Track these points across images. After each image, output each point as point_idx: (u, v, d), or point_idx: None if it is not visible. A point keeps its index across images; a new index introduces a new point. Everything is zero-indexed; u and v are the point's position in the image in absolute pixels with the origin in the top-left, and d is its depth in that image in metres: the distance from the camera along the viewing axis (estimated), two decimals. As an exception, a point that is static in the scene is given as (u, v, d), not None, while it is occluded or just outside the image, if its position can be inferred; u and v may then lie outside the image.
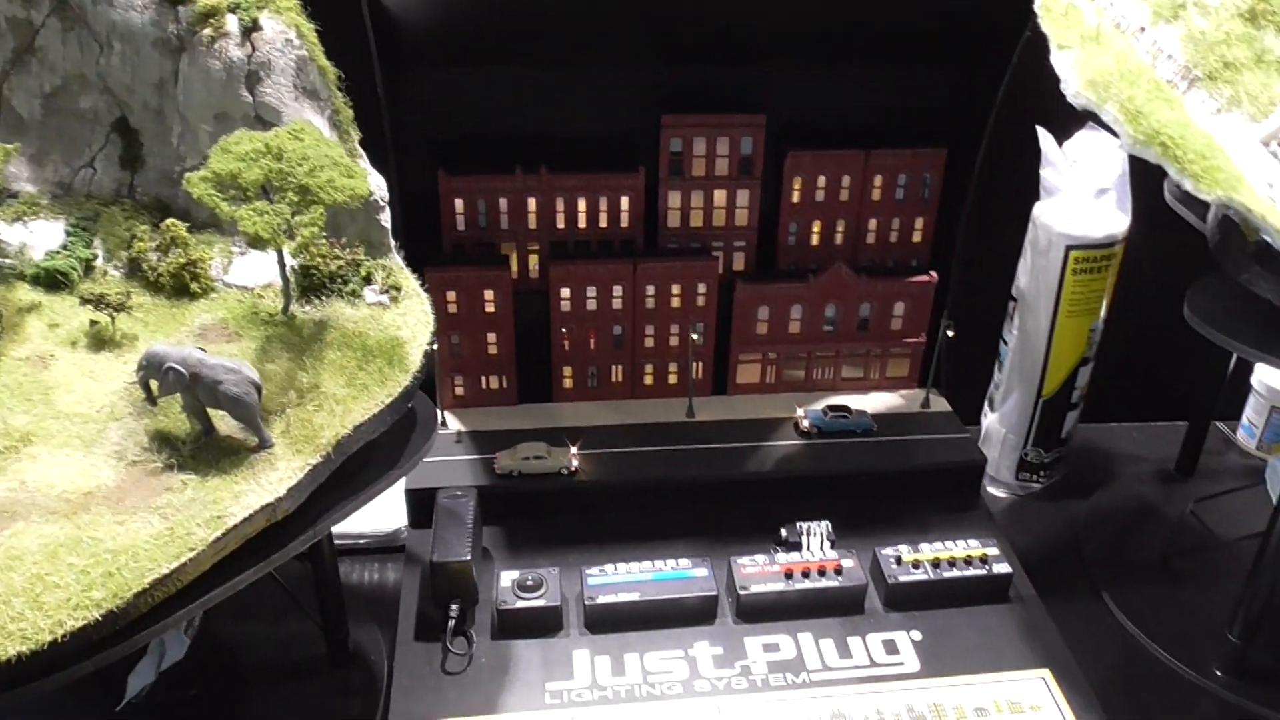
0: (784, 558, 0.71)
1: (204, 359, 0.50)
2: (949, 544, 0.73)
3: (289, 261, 0.57)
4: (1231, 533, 0.83)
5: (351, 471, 0.56)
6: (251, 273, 0.61)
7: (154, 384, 0.51)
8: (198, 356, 0.50)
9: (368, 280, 0.60)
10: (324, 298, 0.59)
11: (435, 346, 0.75)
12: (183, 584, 0.47)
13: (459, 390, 0.82)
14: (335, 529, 0.80)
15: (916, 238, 0.84)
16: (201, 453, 0.51)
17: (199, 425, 0.51)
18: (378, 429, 0.55)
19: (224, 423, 0.52)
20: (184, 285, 0.59)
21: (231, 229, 0.61)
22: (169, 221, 0.60)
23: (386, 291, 0.60)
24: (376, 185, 0.61)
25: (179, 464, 0.50)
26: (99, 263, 0.60)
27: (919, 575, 0.70)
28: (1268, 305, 0.59)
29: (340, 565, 0.79)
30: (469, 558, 0.67)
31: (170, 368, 0.50)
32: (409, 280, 0.62)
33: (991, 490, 0.90)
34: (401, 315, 0.60)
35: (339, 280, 0.59)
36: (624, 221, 0.80)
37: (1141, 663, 0.73)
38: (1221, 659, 0.71)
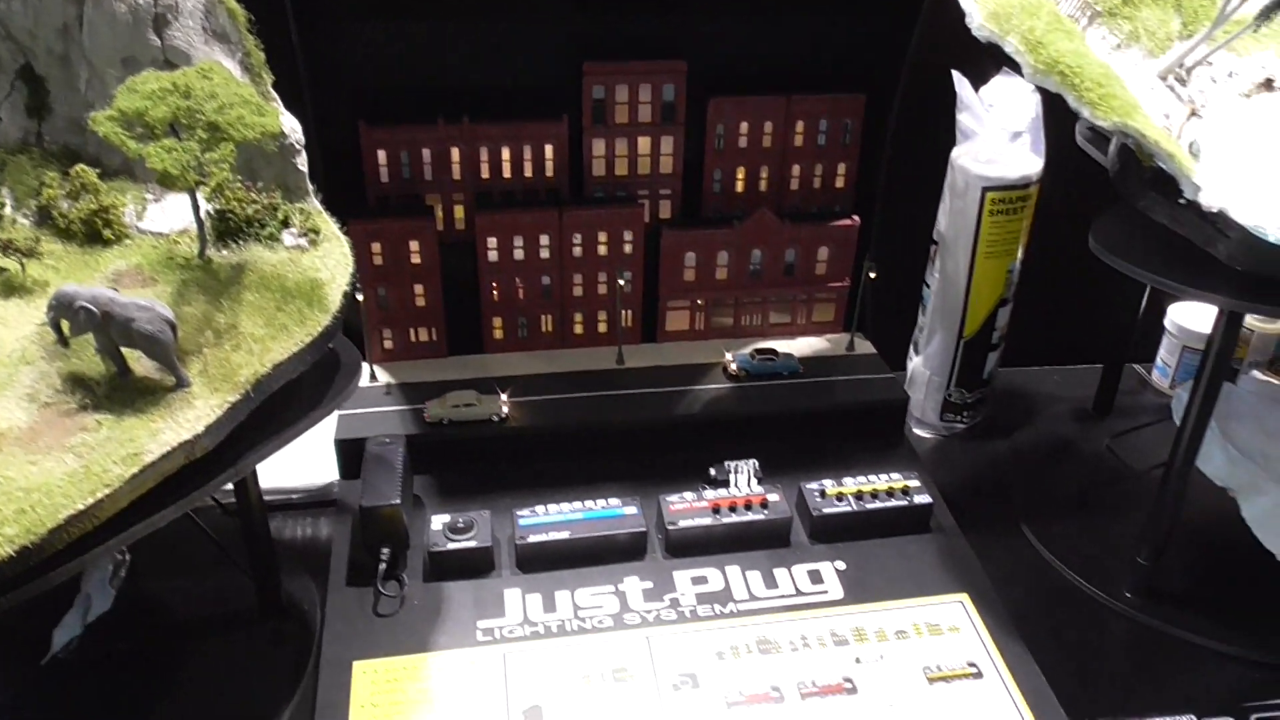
0: (712, 494, 0.73)
1: (115, 297, 0.50)
2: (872, 478, 0.75)
3: (203, 205, 0.57)
4: (1145, 465, 0.86)
5: (274, 412, 0.56)
6: (166, 219, 0.60)
7: (65, 325, 0.51)
8: (109, 295, 0.50)
9: (285, 224, 0.60)
10: (241, 242, 0.59)
11: (359, 292, 0.75)
12: (100, 520, 0.47)
13: (388, 344, 0.82)
14: (267, 484, 0.80)
15: (839, 183, 0.85)
16: (117, 393, 0.51)
17: (113, 366, 0.51)
18: (298, 368, 0.55)
19: (140, 364, 0.52)
20: (96, 232, 0.59)
21: (145, 175, 0.60)
22: (79, 168, 0.59)
23: (305, 235, 0.60)
24: (290, 127, 0.60)
25: (94, 405, 0.50)
26: (7, 211, 0.59)
27: (842, 507, 0.72)
28: (1167, 233, 0.62)
29: (273, 520, 0.79)
30: (398, 501, 0.67)
31: (81, 306, 0.49)
32: (328, 223, 0.62)
33: (918, 432, 0.93)
34: (321, 258, 0.60)
35: (256, 224, 0.59)
36: (549, 171, 0.80)
37: (1057, 588, 0.76)
38: (1131, 582, 0.74)
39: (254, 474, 0.65)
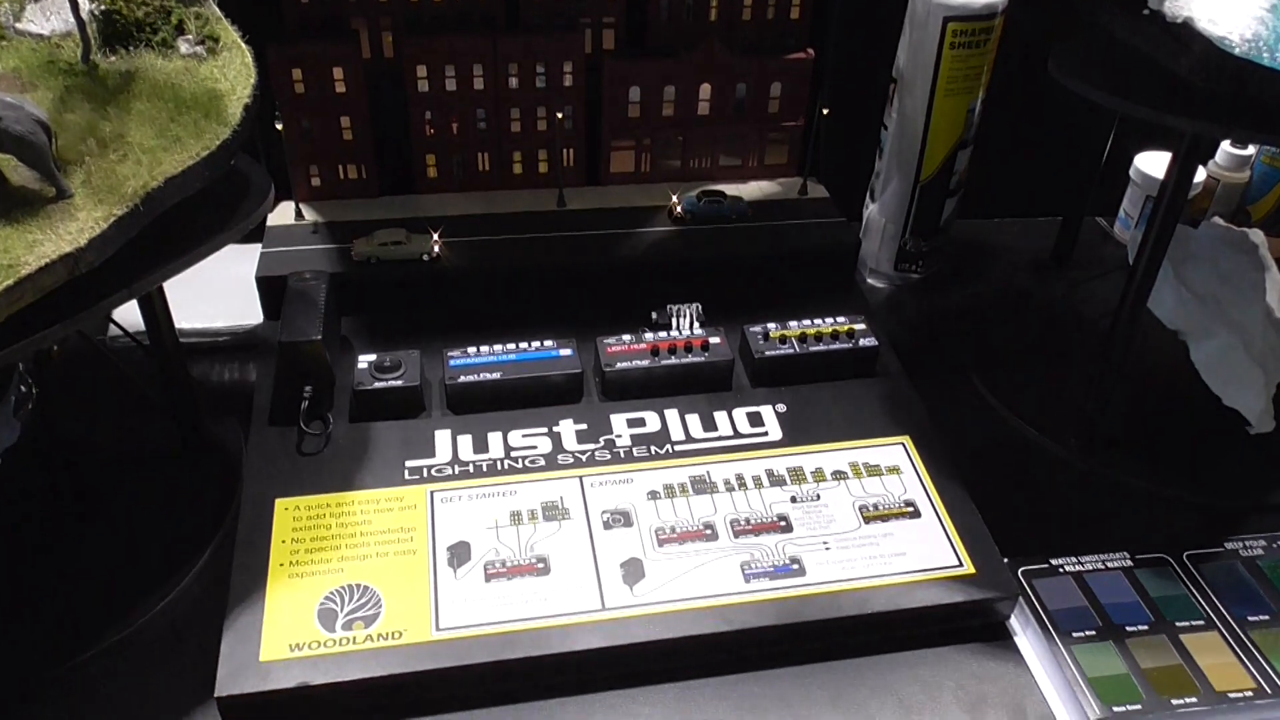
0: (651, 336, 0.70)
1: (-21, 96, 0.45)
2: (818, 321, 0.72)
3: (85, 4, 0.52)
4: (1100, 316, 0.84)
5: (172, 232, 0.52)
6: (47, 20, 0.55)
7: (-72, 128, 0.47)
8: (-28, 94, 0.45)
9: (180, 29, 0.55)
10: (131, 48, 0.54)
11: (280, 122, 0.71)
12: (-27, 335, 0.44)
13: (315, 181, 0.78)
14: (190, 324, 0.77)
15: (794, 14, 0.80)
16: (-9, 204, 0.47)
17: (-16, 173, 0.47)
18: (194, 184, 0.51)
19: (17, 173, 0.48)
20: (-32, 34, 0.54)
21: (22, -28, 0.55)
22: (-54, -40, 0.53)
23: (202, 42, 0.55)
24: (181, -81, 0.55)
25: (-35, 216, 0.46)
26: None
27: (785, 350, 0.70)
28: (1128, 59, 0.58)
29: (199, 363, 0.76)
30: (318, 337, 0.64)
31: (-58, 106, 0.45)
32: (228, 31, 0.57)
33: (871, 282, 0.90)
34: (220, 68, 0.55)
35: (147, 29, 0.54)
36: (483, -7, 0.75)
37: (1002, 434, 0.75)
38: (1076, 428, 0.73)
39: (164, 305, 0.62)
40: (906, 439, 0.67)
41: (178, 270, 0.52)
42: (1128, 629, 0.59)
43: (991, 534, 0.62)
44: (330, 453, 0.64)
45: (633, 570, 0.58)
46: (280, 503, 0.61)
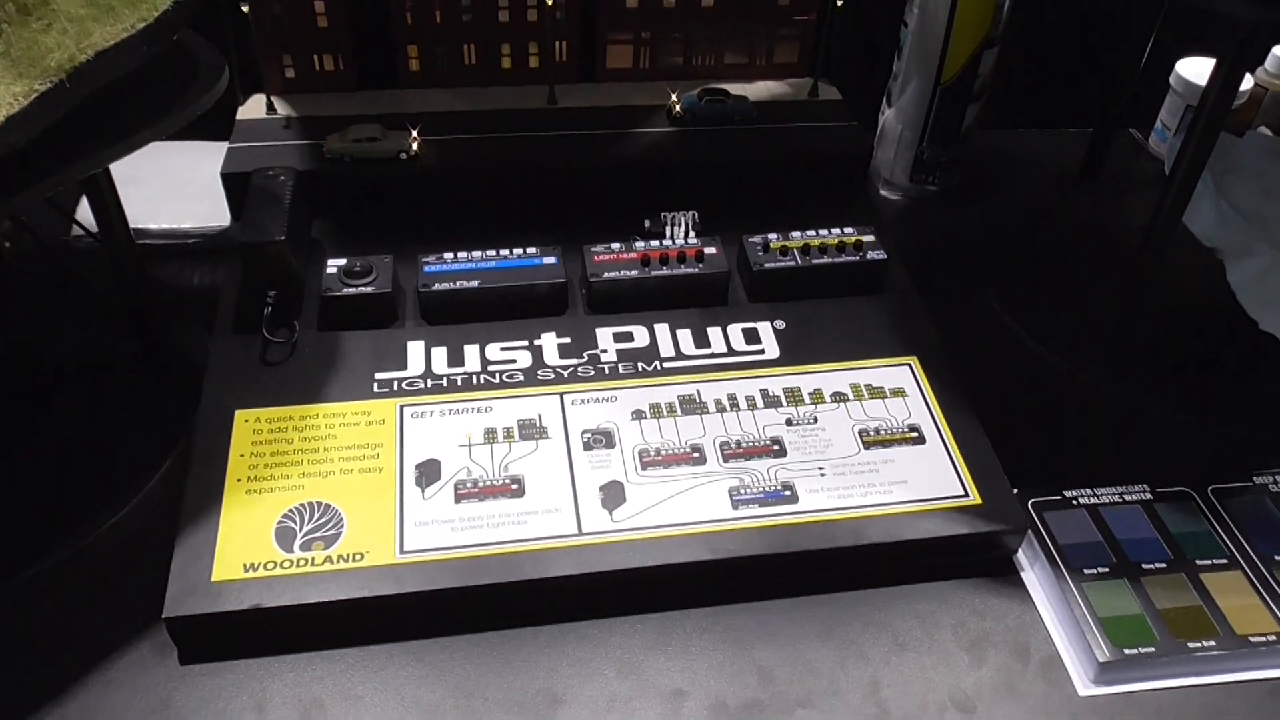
0: (643, 244, 0.65)
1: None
2: (823, 232, 0.67)
3: None
4: (1130, 234, 0.79)
5: (110, 114, 0.47)
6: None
7: None
8: None
9: (116, -114, 0.49)
10: (61, -93, 0.48)
11: (246, 4, 0.65)
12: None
13: (288, 72, 0.72)
14: (160, 225, 0.73)
15: (809, -105, 0.73)
16: (-102, 77, 0.42)
17: (-110, 42, 0.42)
18: (130, 60, 0.46)
19: (-73, 43, 0.43)
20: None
21: None
22: None
23: (141, -98, 0.49)
24: None
25: None
26: None
27: (786, 262, 0.65)
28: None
29: (168, 266, 0.72)
30: (282, 238, 0.59)
31: None
32: (172, -111, 0.51)
33: (885, 194, 0.85)
34: (162, -69, 0.49)
35: (79, -115, 0.48)
36: None
37: (1018, 357, 0.70)
38: (1098, 350, 0.68)
39: (115, 198, 0.58)
40: (913, 360, 0.63)
41: (116, 156, 0.48)
42: (1144, 566, 0.55)
43: (1001, 463, 0.57)
44: (295, 363, 0.60)
45: (613, 494, 0.54)
46: (240, 414, 0.57)
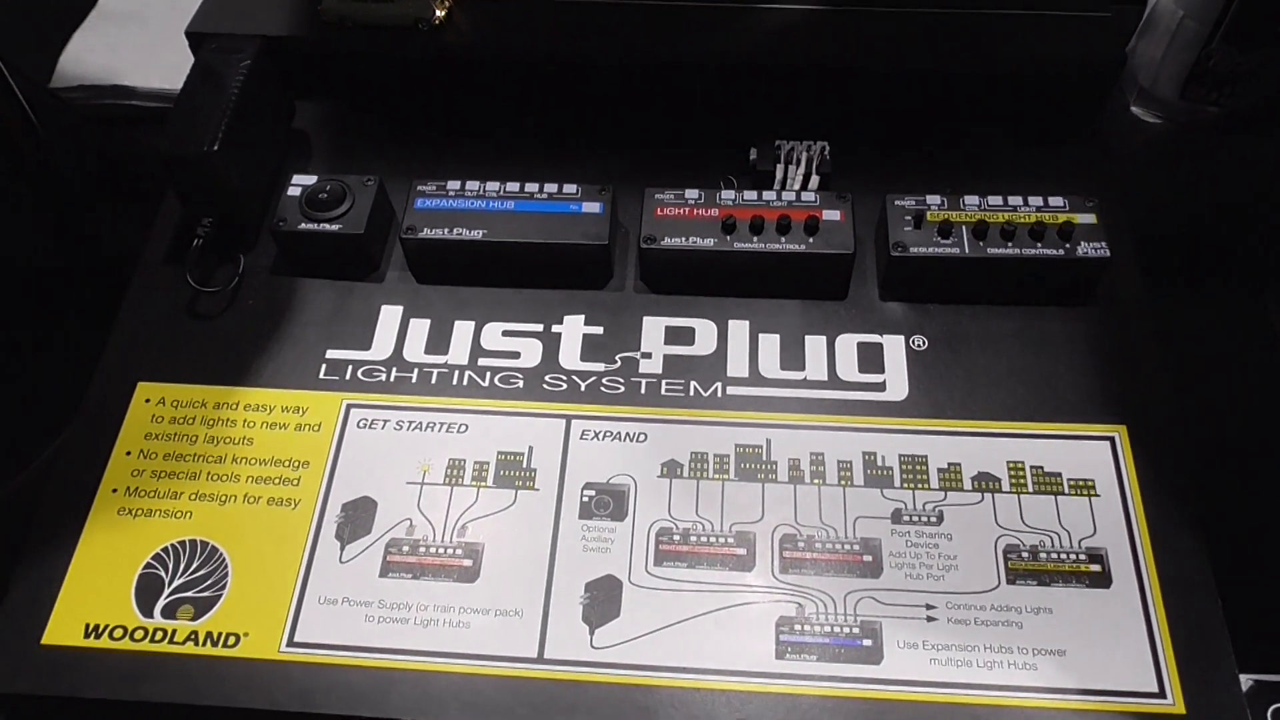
0: (730, 196, 0.44)
1: None
2: (1014, 200, 0.43)
3: None
4: None
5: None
6: None
7: None
8: None
9: None
10: None
11: None
12: None
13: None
14: (148, 84, 0.58)
15: None
16: None
17: None
18: None
19: None
20: None
21: None
22: None
23: None
24: None
25: None
26: None
27: (948, 247, 0.42)
28: None
29: (135, 134, 0.57)
30: (213, 148, 0.42)
31: None
32: None
33: (1137, 112, 0.58)
34: None
35: None
36: None
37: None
38: None
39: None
40: (1120, 431, 0.40)
41: None
42: None
43: (1235, 637, 0.35)
44: (231, 318, 0.44)
45: (604, 599, 0.37)
46: (143, 388, 0.43)
